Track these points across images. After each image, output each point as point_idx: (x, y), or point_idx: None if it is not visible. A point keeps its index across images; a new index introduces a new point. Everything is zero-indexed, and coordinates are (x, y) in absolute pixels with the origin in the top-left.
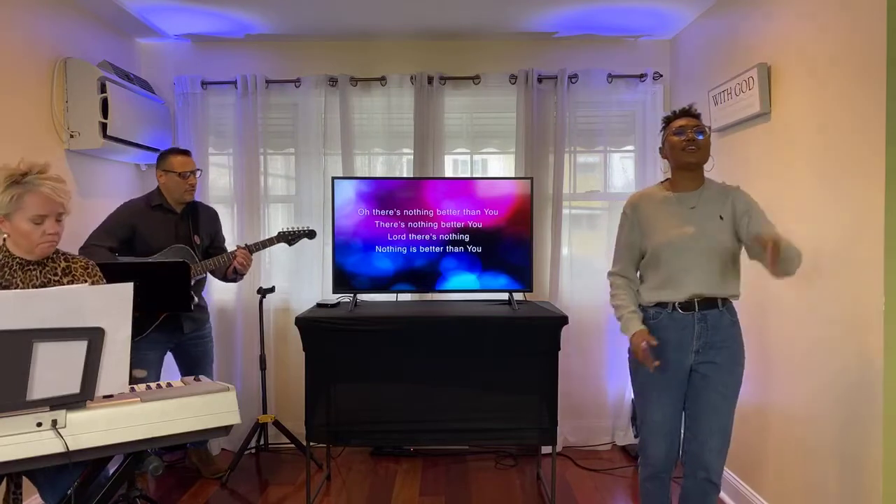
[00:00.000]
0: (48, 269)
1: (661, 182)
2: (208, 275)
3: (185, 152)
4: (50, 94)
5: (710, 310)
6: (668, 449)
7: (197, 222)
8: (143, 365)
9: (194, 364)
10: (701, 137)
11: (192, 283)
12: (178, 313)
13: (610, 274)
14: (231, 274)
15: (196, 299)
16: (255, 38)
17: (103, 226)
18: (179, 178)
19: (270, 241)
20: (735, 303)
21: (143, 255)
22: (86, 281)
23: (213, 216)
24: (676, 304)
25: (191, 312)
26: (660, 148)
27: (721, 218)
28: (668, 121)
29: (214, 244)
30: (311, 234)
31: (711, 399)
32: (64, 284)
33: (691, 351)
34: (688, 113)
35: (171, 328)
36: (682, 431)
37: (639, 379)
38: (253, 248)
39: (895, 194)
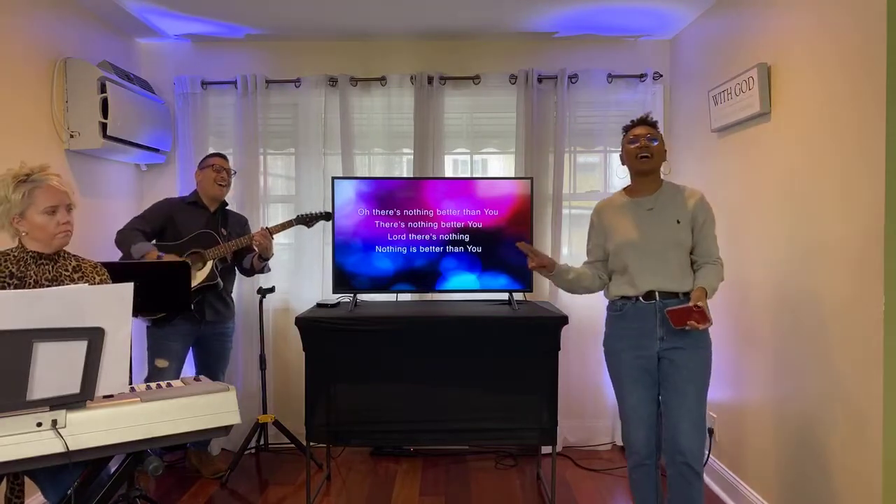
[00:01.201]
0: (60, 265)
1: (623, 189)
2: (237, 272)
3: (222, 155)
4: (50, 94)
5: (670, 299)
6: (647, 434)
7: (226, 220)
8: (167, 355)
9: (213, 361)
10: (655, 143)
11: (220, 267)
12: (203, 297)
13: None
14: (257, 262)
15: (220, 283)
16: (255, 38)
17: (143, 213)
18: (212, 171)
19: (289, 224)
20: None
21: (172, 240)
22: (94, 278)
23: (242, 221)
24: (639, 297)
25: (214, 302)
26: (620, 155)
27: (678, 222)
28: (626, 129)
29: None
30: (328, 217)
31: (678, 383)
32: (74, 280)
33: (656, 338)
34: (644, 122)
35: (194, 316)
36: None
37: (612, 368)
38: (273, 230)
39: (895, 193)
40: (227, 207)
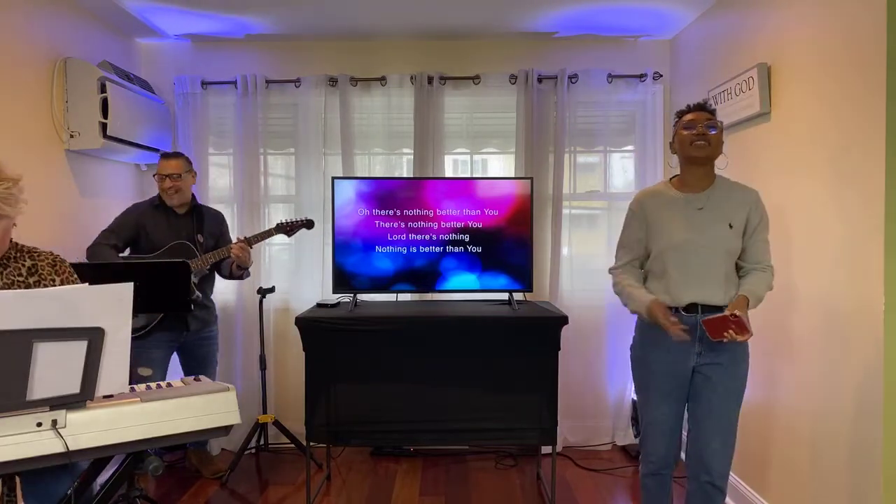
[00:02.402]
0: (11, 270)
1: (670, 179)
2: (216, 275)
3: (168, 155)
4: (50, 94)
5: (713, 312)
6: (668, 446)
7: (201, 223)
8: (149, 363)
9: (197, 365)
10: (713, 132)
11: (196, 280)
12: (184, 312)
13: (613, 269)
14: (236, 270)
15: (199, 295)
16: (255, 38)
17: (110, 226)
18: (158, 180)
19: (269, 233)
20: None
21: (147, 253)
22: (54, 279)
23: (218, 218)
24: (679, 308)
25: (196, 312)
26: (670, 142)
27: (730, 226)
28: (680, 114)
29: (220, 246)
30: (309, 225)
31: (712, 400)
32: (31, 285)
33: (694, 352)
34: (702, 107)
35: (176, 327)
36: (688, 433)
37: (640, 377)
38: (251, 241)
39: (895, 193)
40: (199, 203)
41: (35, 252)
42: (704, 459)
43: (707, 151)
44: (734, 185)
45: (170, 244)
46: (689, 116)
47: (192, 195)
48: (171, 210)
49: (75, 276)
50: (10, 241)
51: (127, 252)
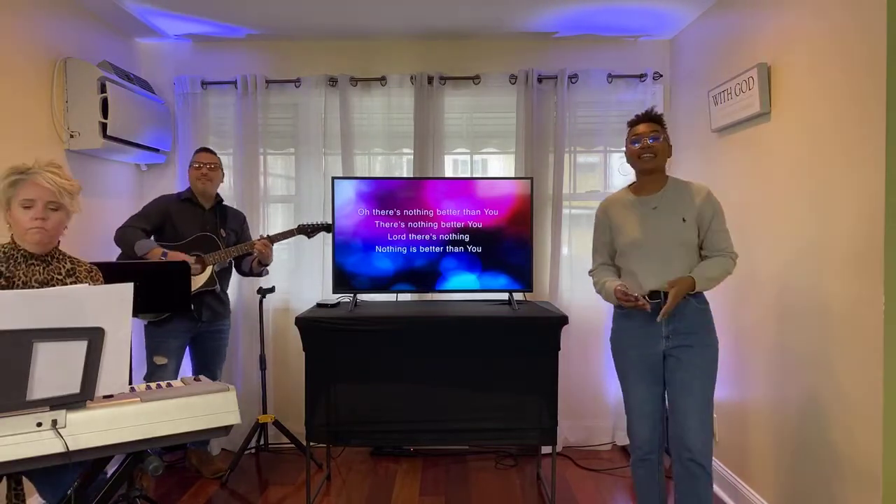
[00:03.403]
0: (52, 268)
1: (629, 185)
2: (233, 271)
3: (205, 148)
4: (50, 94)
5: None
6: (652, 429)
7: (225, 219)
8: (165, 353)
9: (207, 359)
10: (657, 141)
11: (218, 269)
12: (200, 299)
13: (590, 272)
14: (256, 267)
15: (218, 286)
16: (255, 38)
17: (141, 211)
18: (194, 168)
19: (290, 233)
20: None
21: (171, 241)
22: (88, 283)
23: (240, 217)
24: (644, 296)
25: (211, 302)
26: (625, 152)
27: (684, 220)
28: (631, 125)
29: (240, 241)
30: (328, 228)
31: (684, 379)
32: (67, 284)
33: (661, 336)
34: (647, 118)
35: (190, 314)
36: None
37: (619, 364)
38: (274, 239)
39: (895, 193)
40: (224, 203)
41: (75, 259)
42: (684, 438)
43: (653, 163)
44: (686, 184)
45: (194, 235)
46: (636, 130)
47: (217, 194)
48: (198, 204)
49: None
50: (59, 242)
51: (152, 238)
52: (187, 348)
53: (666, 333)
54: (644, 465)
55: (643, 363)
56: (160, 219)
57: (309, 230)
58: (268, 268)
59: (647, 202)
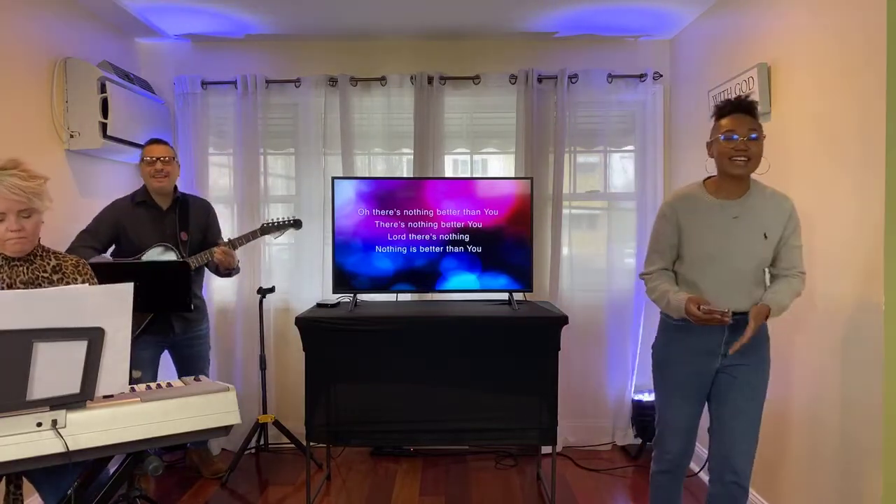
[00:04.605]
0: (36, 266)
1: (704, 180)
2: (206, 271)
3: (154, 140)
4: (50, 94)
5: (740, 315)
6: (686, 445)
7: (186, 218)
8: (138, 365)
9: (188, 365)
10: (755, 140)
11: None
12: (168, 314)
13: (644, 274)
14: (223, 271)
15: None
16: (255, 38)
17: (88, 226)
18: (145, 164)
19: (253, 235)
20: None
21: (129, 255)
22: (76, 278)
23: (205, 208)
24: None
25: (182, 313)
26: (708, 143)
27: (765, 236)
28: (719, 113)
29: (208, 238)
30: (296, 224)
31: (739, 401)
32: (54, 282)
33: (719, 354)
34: (744, 108)
35: (162, 329)
36: (709, 432)
37: (662, 378)
38: (236, 243)
39: (895, 194)
40: (185, 195)
41: (59, 254)
42: (732, 461)
43: (747, 169)
44: (770, 194)
45: (150, 247)
46: (728, 122)
47: (175, 187)
48: (154, 206)
49: (95, 279)
50: (38, 239)
51: (110, 252)
52: (169, 357)
53: (724, 351)
54: (667, 476)
55: (693, 381)
56: (112, 231)
57: (273, 229)
58: (238, 268)
59: (726, 208)
